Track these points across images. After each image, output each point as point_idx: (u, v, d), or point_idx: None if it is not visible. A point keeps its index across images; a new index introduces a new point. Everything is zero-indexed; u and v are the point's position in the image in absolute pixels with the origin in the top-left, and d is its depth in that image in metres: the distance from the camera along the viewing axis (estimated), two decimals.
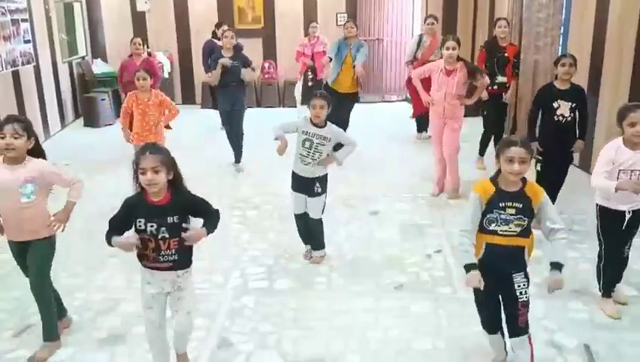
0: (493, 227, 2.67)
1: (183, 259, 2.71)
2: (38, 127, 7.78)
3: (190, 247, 2.73)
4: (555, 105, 4.51)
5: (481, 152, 6.63)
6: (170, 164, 2.61)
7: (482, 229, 2.71)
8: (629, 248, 3.55)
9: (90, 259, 4.29)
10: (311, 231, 4.24)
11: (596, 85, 5.87)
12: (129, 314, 3.56)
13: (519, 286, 2.72)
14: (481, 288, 2.69)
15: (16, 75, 7.26)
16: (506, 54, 6.35)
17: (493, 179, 2.71)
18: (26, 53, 7.55)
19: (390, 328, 3.41)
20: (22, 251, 3.14)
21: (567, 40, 6.66)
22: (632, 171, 3.26)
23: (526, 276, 2.75)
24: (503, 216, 2.65)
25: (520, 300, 2.72)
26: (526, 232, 2.69)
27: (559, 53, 6.74)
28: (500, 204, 2.64)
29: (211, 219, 2.73)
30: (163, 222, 2.60)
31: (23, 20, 7.48)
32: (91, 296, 3.82)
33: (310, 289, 3.92)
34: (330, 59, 6.82)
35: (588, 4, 6.03)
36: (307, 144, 3.97)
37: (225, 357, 3.16)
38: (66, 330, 3.39)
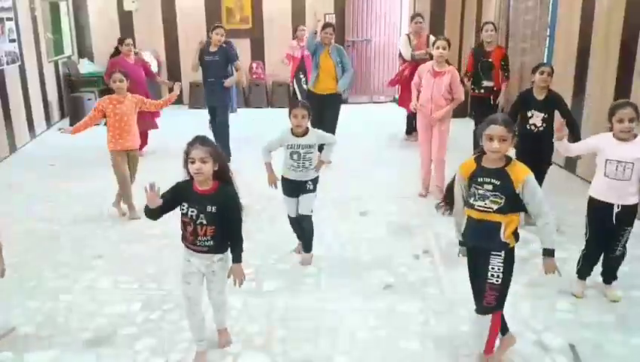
0: (472, 201, 2.75)
1: (218, 245, 2.91)
2: (23, 127, 7.71)
3: (224, 235, 2.90)
4: (529, 114, 4.60)
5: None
6: (217, 157, 2.80)
7: (466, 203, 2.82)
8: (622, 246, 3.60)
9: (76, 260, 4.25)
10: (303, 229, 4.21)
11: (582, 84, 5.92)
12: (115, 316, 3.54)
13: (493, 268, 2.76)
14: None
15: (1, 75, 7.17)
16: (490, 59, 6.36)
17: (477, 158, 2.79)
18: (11, 52, 7.46)
19: (378, 328, 3.41)
20: None
21: (553, 42, 6.72)
22: (618, 162, 3.39)
23: (506, 260, 2.75)
24: (480, 192, 2.70)
25: (489, 281, 2.77)
26: (503, 210, 2.70)
27: (545, 55, 6.81)
28: (479, 180, 2.71)
29: (236, 245, 2.93)
30: (203, 210, 2.81)
31: (8, 19, 7.38)
32: (77, 297, 3.78)
33: (298, 289, 3.91)
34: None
35: (574, 6, 6.08)
36: (295, 156, 3.96)
37: (212, 359, 3.13)
38: (52, 332, 3.35)
